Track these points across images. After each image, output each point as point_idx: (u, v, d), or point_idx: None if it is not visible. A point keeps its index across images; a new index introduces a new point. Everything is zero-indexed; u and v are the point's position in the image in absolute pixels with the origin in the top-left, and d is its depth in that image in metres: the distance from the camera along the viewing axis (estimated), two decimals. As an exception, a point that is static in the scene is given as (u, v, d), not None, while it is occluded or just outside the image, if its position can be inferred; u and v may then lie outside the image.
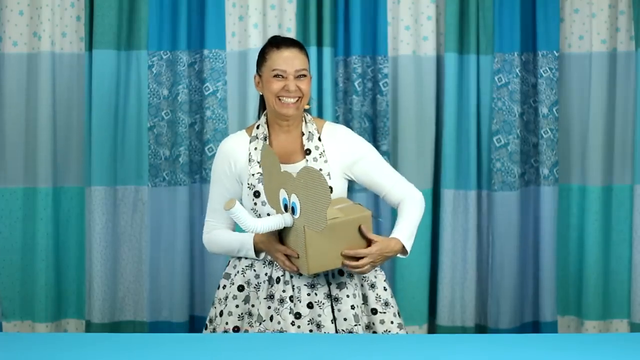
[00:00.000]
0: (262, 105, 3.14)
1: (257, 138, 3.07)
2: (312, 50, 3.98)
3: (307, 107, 3.08)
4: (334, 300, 2.99)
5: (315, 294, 2.97)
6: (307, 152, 3.05)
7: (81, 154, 4.03)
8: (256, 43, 3.98)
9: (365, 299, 3.07)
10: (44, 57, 3.94)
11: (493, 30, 4.01)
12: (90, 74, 3.97)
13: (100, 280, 4.00)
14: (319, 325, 2.94)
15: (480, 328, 4.11)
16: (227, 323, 3.03)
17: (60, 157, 4.02)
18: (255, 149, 3.07)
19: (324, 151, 3.06)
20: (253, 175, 3.03)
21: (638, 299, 4.02)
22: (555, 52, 4.02)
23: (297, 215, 2.80)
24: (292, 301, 2.96)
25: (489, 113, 4.04)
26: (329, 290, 3.01)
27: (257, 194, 3.01)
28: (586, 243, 4.03)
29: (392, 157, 4.05)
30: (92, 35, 3.96)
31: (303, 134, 3.08)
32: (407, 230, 3.04)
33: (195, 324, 4.07)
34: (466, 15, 4.02)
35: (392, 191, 3.11)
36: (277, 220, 2.84)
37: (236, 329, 3.03)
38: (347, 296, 3.00)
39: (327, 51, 3.99)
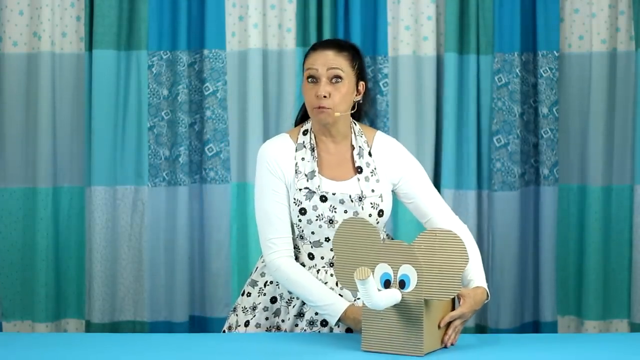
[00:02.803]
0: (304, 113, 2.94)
1: (304, 147, 2.85)
2: (312, 50, 3.98)
3: (336, 114, 2.81)
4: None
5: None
6: (359, 170, 2.83)
7: (81, 154, 4.03)
8: (256, 43, 3.97)
9: None
10: (44, 57, 3.94)
11: (493, 30, 4.01)
12: (90, 74, 3.97)
13: (100, 280, 3.99)
14: None
15: (480, 328, 4.11)
16: None
17: (60, 157, 4.02)
18: (303, 159, 2.84)
19: (375, 169, 2.85)
20: (300, 190, 2.80)
21: (638, 299, 4.01)
22: (555, 52, 4.02)
23: (408, 289, 2.48)
24: (323, 325, 2.80)
25: (489, 113, 4.04)
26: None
27: (303, 212, 2.79)
28: (586, 243, 4.03)
29: (392, 157, 4.05)
30: (92, 35, 3.95)
31: (353, 148, 2.87)
32: (481, 272, 2.78)
33: (195, 324, 4.06)
34: (466, 15, 4.02)
35: (438, 219, 2.87)
36: (395, 296, 2.46)
37: None
38: (360, 299, 2.88)
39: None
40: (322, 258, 2.83)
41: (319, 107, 2.78)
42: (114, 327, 4.03)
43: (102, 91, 3.97)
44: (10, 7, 3.96)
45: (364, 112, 2.93)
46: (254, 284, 2.91)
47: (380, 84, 4.04)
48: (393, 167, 2.87)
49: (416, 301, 2.46)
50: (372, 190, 2.82)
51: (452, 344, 2.60)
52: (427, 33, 4.02)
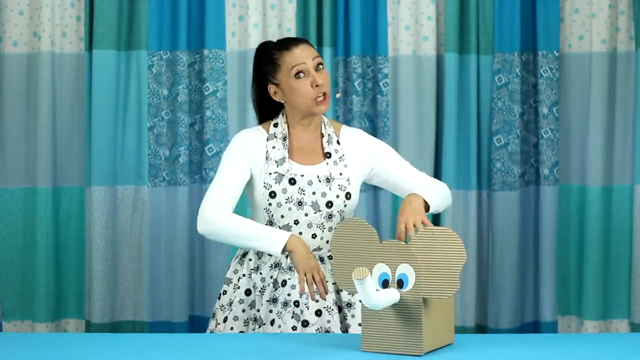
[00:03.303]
0: (264, 112, 3.04)
1: (276, 137, 2.97)
2: (312, 50, 3.98)
3: (337, 95, 3.11)
4: (347, 306, 2.94)
5: (324, 300, 2.88)
6: (328, 155, 2.97)
7: (81, 154, 4.03)
8: (256, 43, 3.97)
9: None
10: (44, 57, 3.94)
11: (493, 30, 4.01)
12: (90, 74, 3.97)
13: (100, 280, 4.00)
14: (327, 332, 2.88)
15: (480, 328, 4.11)
16: (232, 328, 2.95)
17: (60, 157, 4.02)
18: (274, 147, 2.96)
19: (343, 155, 2.99)
20: (270, 174, 2.93)
21: (638, 299, 4.01)
22: (555, 52, 4.02)
23: (406, 288, 2.49)
24: (297, 306, 2.89)
25: (489, 113, 4.04)
26: (339, 297, 2.94)
27: (272, 195, 2.92)
28: (586, 243, 4.03)
29: (392, 157, 4.05)
30: (92, 35, 3.96)
31: (323, 136, 3.00)
32: (425, 190, 2.90)
33: (195, 324, 4.07)
34: (466, 15, 4.02)
35: (415, 184, 2.99)
36: (394, 296, 2.46)
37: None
38: (360, 300, 2.95)
39: (327, 51, 3.99)
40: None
41: (320, 96, 2.91)
42: (114, 327, 4.03)
43: (102, 91, 3.97)
44: (10, 7, 3.97)
45: None
46: (228, 282, 3.00)
47: (380, 84, 4.04)
48: (361, 153, 3.01)
49: (415, 300, 2.46)
50: (340, 174, 2.96)
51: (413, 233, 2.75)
52: (427, 33, 4.03)
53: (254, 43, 3.97)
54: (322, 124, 3.01)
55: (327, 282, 2.89)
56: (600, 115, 4.02)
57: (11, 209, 4.02)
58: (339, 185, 2.94)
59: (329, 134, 3.00)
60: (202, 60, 4.00)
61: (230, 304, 2.97)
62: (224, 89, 4.00)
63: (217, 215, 2.87)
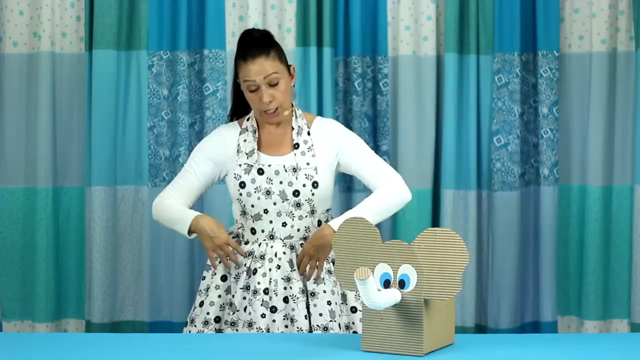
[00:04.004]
0: (239, 106, 3.17)
1: (247, 130, 3.10)
2: (312, 50, 3.98)
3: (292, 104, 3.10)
4: (310, 295, 3.01)
5: (291, 288, 3.00)
6: (296, 146, 3.06)
7: (81, 154, 4.03)
8: (256, 43, 3.97)
9: (344, 297, 3.08)
10: (44, 57, 3.94)
11: (493, 30, 4.01)
12: (90, 74, 3.97)
13: (100, 280, 4.00)
14: (292, 320, 2.97)
15: (480, 328, 4.11)
16: (208, 313, 3.07)
17: (60, 157, 4.02)
18: (245, 140, 3.09)
19: (312, 145, 3.07)
20: (240, 165, 3.07)
21: (638, 299, 4.01)
22: (555, 52, 4.02)
23: (408, 289, 2.48)
24: (266, 294, 2.99)
25: (489, 113, 4.04)
26: (305, 285, 3.03)
27: (242, 185, 3.05)
28: (586, 243, 4.03)
29: (392, 157, 4.05)
30: (92, 35, 3.96)
31: (293, 129, 3.09)
32: (347, 216, 3.00)
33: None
34: (466, 15, 4.02)
35: (373, 178, 3.08)
36: (395, 296, 2.46)
37: (217, 319, 3.07)
38: (324, 291, 3.03)
39: (327, 51, 3.99)
40: (263, 231, 3.07)
41: (267, 112, 3.02)
42: (114, 327, 4.03)
43: (102, 91, 3.97)
44: (10, 7, 3.97)
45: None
46: (208, 267, 3.13)
47: (380, 84, 4.04)
48: (330, 142, 3.08)
49: (416, 301, 2.46)
50: (307, 163, 3.05)
51: (315, 279, 3.01)
52: (427, 33, 4.03)
53: (254, 43, 3.96)
54: (294, 117, 3.09)
55: (249, 254, 3.05)
56: (600, 115, 4.02)
57: (11, 209, 4.02)
58: (305, 175, 3.04)
59: (299, 126, 3.09)
60: (202, 60, 4.00)
61: (207, 289, 3.11)
62: (224, 89, 4.00)
63: (156, 202, 3.14)
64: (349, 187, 4.06)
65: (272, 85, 3.00)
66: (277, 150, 3.08)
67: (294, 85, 3.10)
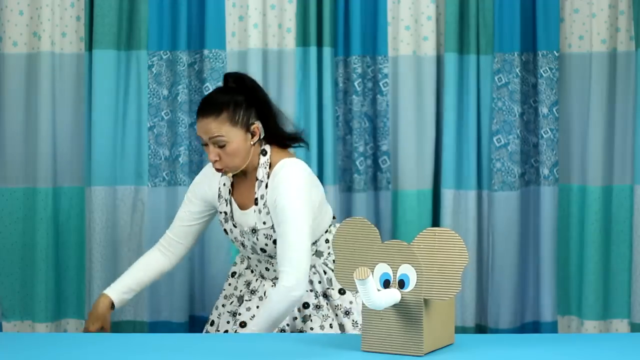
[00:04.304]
0: None
1: (225, 174, 3.12)
2: (312, 50, 3.98)
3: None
4: (299, 333, 3.05)
5: None
6: (256, 201, 3.06)
7: (81, 154, 4.03)
8: (256, 43, 3.97)
9: (342, 327, 3.08)
10: (44, 57, 3.94)
11: (493, 30, 4.01)
12: (90, 74, 3.97)
13: (100, 280, 3.99)
14: None
15: (480, 328, 4.11)
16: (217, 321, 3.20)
17: (60, 157, 4.02)
18: (224, 184, 3.14)
19: (266, 201, 3.03)
20: (221, 213, 3.16)
21: (638, 299, 4.01)
22: (555, 52, 4.02)
23: (407, 289, 2.49)
24: (242, 327, 3.07)
25: (489, 113, 4.04)
26: (293, 321, 3.05)
27: (225, 232, 3.18)
28: (586, 243, 4.03)
29: (392, 157, 4.05)
30: (92, 35, 3.95)
31: (257, 178, 3.07)
32: (248, 330, 2.97)
33: (195, 324, 4.07)
34: (466, 15, 4.02)
35: (278, 257, 2.97)
36: (395, 296, 2.47)
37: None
38: (311, 329, 3.03)
39: (327, 51, 3.99)
40: (252, 272, 3.19)
41: (216, 168, 3.05)
42: (114, 327, 4.02)
43: (102, 91, 3.97)
44: (10, 7, 3.97)
45: (279, 134, 3.08)
46: (227, 277, 3.28)
47: (380, 84, 4.04)
48: (272, 199, 2.99)
49: (416, 301, 2.46)
50: (264, 223, 3.01)
51: None
52: (427, 33, 4.03)
53: (254, 43, 3.97)
54: (259, 167, 3.05)
55: None
56: (600, 115, 4.01)
57: (11, 209, 4.01)
58: (264, 235, 3.05)
59: (260, 179, 3.05)
60: (202, 60, 4.00)
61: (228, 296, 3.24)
62: (224, 89, 3.99)
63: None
64: (349, 187, 4.06)
65: (219, 146, 3.01)
66: (244, 201, 3.10)
67: (258, 140, 3.06)
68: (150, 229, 4.01)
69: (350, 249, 2.55)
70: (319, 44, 4.00)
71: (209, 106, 3.06)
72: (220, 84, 3.97)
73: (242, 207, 3.09)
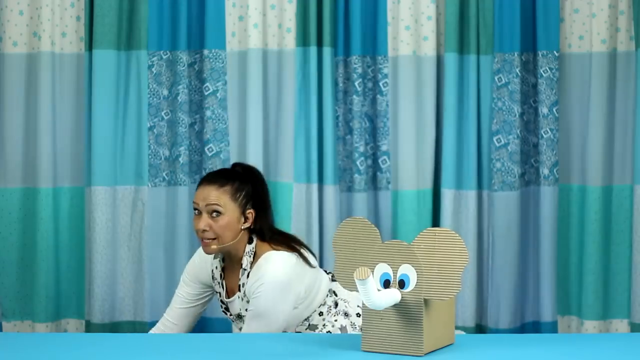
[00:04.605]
0: None
1: (217, 257, 3.17)
2: (312, 50, 3.98)
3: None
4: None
5: None
6: (239, 287, 3.08)
7: (81, 154, 4.03)
8: (256, 43, 3.97)
9: None
10: (44, 57, 3.94)
11: (493, 30, 4.01)
12: (90, 74, 3.97)
13: (100, 280, 3.99)
14: None
15: (480, 328, 4.11)
16: None
17: (60, 157, 4.02)
18: (216, 267, 3.17)
19: (245, 292, 3.06)
20: (216, 293, 3.20)
21: (638, 299, 4.01)
22: (555, 52, 4.02)
23: (408, 289, 2.50)
24: None
25: (489, 113, 4.04)
26: None
27: (222, 312, 3.21)
28: (586, 243, 4.03)
29: (392, 157, 4.05)
30: (92, 35, 3.96)
31: (241, 265, 3.09)
32: None
33: (196, 323, 4.06)
34: (466, 15, 4.02)
35: None
36: (395, 297, 2.47)
37: None
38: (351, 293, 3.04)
39: (327, 51, 3.99)
40: None
41: (202, 239, 3.04)
42: (114, 327, 4.03)
43: (102, 91, 3.97)
44: (10, 7, 3.97)
45: (265, 231, 3.09)
46: None
47: (380, 84, 4.04)
48: (251, 292, 3.01)
49: (416, 301, 2.46)
50: (247, 310, 3.02)
51: None
52: (427, 33, 4.03)
53: (254, 43, 3.97)
54: (244, 255, 3.07)
55: None
56: (600, 115, 4.01)
57: (11, 209, 4.01)
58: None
59: (244, 267, 3.07)
60: (202, 60, 4.00)
61: None
62: (224, 89, 4.00)
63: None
64: (349, 187, 4.06)
65: (213, 216, 3.02)
66: (232, 286, 3.13)
67: (247, 228, 3.08)
68: (150, 229, 4.01)
69: (350, 249, 2.55)
70: (319, 44, 4.00)
71: (215, 176, 3.11)
72: (220, 84, 3.99)
73: (230, 292, 3.13)
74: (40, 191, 3.96)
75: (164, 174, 4.02)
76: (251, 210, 3.08)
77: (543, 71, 4.03)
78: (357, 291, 2.45)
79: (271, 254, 3.02)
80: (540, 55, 4.03)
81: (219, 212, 3.02)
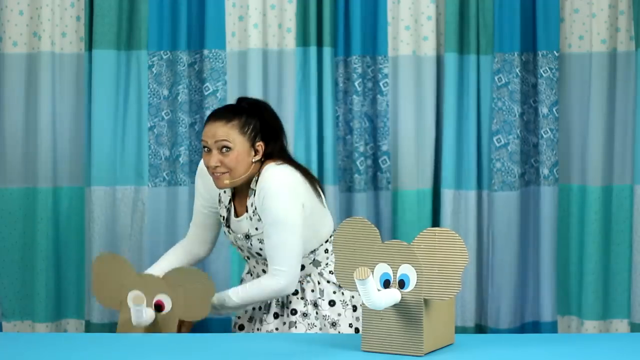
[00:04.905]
0: None
1: (224, 186, 3.15)
2: (312, 50, 3.98)
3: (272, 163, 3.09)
4: (302, 315, 3.08)
5: (259, 329, 3.12)
6: (247, 208, 3.12)
7: (81, 154, 4.03)
8: (256, 43, 3.97)
9: None
10: (44, 57, 3.94)
11: (493, 30, 4.01)
12: (90, 74, 3.97)
13: (100, 280, 3.99)
14: None
15: (480, 328, 4.11)
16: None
17: (60, 157, 4.02)
18: (225, 191, 3.20)
19: (256, 208, 3.09)
20: (220, 216, 3.23)
21: (638, 299, 4.01)
22: (555, 52, 4.02)
23: (408, 289, 2.50)
24: (241, 329, 3.19)
25: (489, 113, 4.04)
26: (283, 325, 3.09)
27: (225, 234, 3.24)
28: (586, 243, 4.03)
29: (392, 157, 4.05)
30: (92, 35, 3.95)
31: (250, 188, 3.13)
32: (225, 296, 3.08)
33: (195, 323, 4.06)
34: (466, 15, 4.02)
35: (268, 259, 3.06)
36: (395, 296, 2.48)
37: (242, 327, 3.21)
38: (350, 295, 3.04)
39: (327, 51, 3.99)
40: (251, 275, 3.24)
41: (213, 174, 3.07)
42: (114, 327, 4.02)
43: (102, 91, 3.97)
44: (10, 7, 3.97)
45: (274, 155, 3.13)
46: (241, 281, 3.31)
47: (380, 84, 4.04)
48: (260, 203, 3.05)
49: (416, 301, 2.46)
50: (256, 229, 3.08)
51: None
52: (427, 33, 4.03)
53: (254, 43, 3.97)
54: (255, 178, 3.10)
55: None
56: (600, 115, 4.01)
57: (11, 209, 4.01)
58: (258, 239, 3.10)
59: (252, 188, 3.10)
60: (202, 60, 4.00)
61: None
62: (224, 89, 4.00)
63: None
64: (349, 187, 4.06)
65: (223, 152, 3.05)
66: (240, 207, 3.16)
67: (258, 161, 3.11)
68: (150, 229, 4.01)
69: (350, 249, 2.55)
70: (319, 44, 4.00)
71: (221, 112, 3.12)
72: (220, 84, 3.99)
73: (238, 214, 3.15)
74: (40, 191, 3.96)
75: (164, 174, 4.02)
76: (260, 143, 3.09)
77: (543, 71, 4.03)
78: (357, 291, 2.45)
79: (271, 166, 3.08)
80: (540, 55, 4.03)
81: (228, 148, 3.04)
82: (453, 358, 2.47)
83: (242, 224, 3.13)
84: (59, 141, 4.01)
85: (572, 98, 4.07)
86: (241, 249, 3.20)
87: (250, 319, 3.20)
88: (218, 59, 3.99)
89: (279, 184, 3.02)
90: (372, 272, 2.50)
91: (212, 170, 3.08)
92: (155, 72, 4.00)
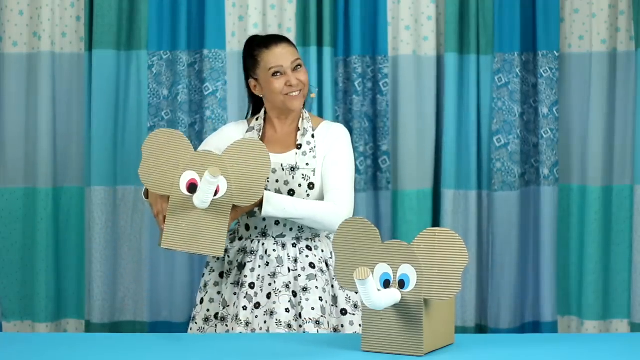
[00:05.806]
0: (256, 106, 3.25)
1: (254, 129, 3.17)
2: (312, 50, 3.98)
3: (312, 95, 3.19)
4: (302, 290, 3.04)
5: (274, 282, 3.04)
6: (299, 146, 3.11)
7: (81, 154, 4.03)
8: (256, 43, 3.97)
9: (335, 299, 3.10)
10: (44, 57, 3.94)
11: (493, 30, 4.01)
12: (90, 74, 3.97)
13: (100, 280, 4.00)
14: (272, 313, 3.00)
15: (480, 328, 4.11)
16: (208, 310, 3.14)
17: (60, 157, 4.02)
18: (251, 133, 3.16)
19: (314, 147, 3.11)
20: None
21: (638, 299, 4.02)
22: (555, 52, 4.02)
23: (408, 289, 2.48)
24: (252, 288, 3.05)
25: (489, 113, 4.04)
26: (295, 280, 3.05)
27: None
28: (586, 243, 4.03)
29: (392, 157, 4.05)
30: (92, 35, 3.96)
31: (299, 129, 3.15)
32: (281, 199, 3.01)
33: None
34: (466, 15, 4.02)
35: (328, 193, 3.07)
36: (395, 296, 2.47)
37: (217, 316, 3.13)
38: (316, 287, 3.05)
39: (327, 51, 3.99)
40: (256, 228, 3.12)
41: (294, 92, 3.09)
42: (114, 327, 4.03)
43: (102, 91, 3.97)
44: (10, 7, 3.97)
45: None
46: (206, 265, 3.21)
47: (380, 84, 4.05)
48: (327, 145, 3.11)
49: (416, 301, 2.46)
50: (307, 164, 3.09)
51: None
52: (427, 33, 4.03)
53: (254, 43, 3.97)
54: (301, 119, 3.15)
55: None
56: (600, 115, 4.02)
57: (11, 209, 4.02)
58: (302, 175, 3.08)
59: (304, 128, 3.14)
60: (202, 60, 4.00)
61: (206, 285, 3.18)
62: (224, 89, 4.00)
63: None
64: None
65: (297, 70, 3.10)
66: (279, 149, 3.13)
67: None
68: (150, 229, 4.01)
69: (350, 249, 2.55)
70: (319, 44, 4.00)
71: (280, 37, 3.19)
72: (220, 84, 3.99)
73: (276, 152, 3.11)
74: (40, 191, 3.97)
75: (164, 174, 4.02)
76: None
77: (543, 71, 4.03)
78: (357, 291, 2.45)
79: (332, 123, 3.21)
80: (540, 55, 4.03)
81: (301, 65, 3.12)
82: (453, 358, 2.47)
83: (287, 157, 3.09)
84: (59, 141, 4.01)
85: (572, 98, 4.07)
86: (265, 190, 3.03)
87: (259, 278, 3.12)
88: (218, 59, 3.99)
89: (347, 135, 3.17)
90: (372, 272, 2.50)
91: (293, 90, 3.09)
92: (155, 72, 4.00)
